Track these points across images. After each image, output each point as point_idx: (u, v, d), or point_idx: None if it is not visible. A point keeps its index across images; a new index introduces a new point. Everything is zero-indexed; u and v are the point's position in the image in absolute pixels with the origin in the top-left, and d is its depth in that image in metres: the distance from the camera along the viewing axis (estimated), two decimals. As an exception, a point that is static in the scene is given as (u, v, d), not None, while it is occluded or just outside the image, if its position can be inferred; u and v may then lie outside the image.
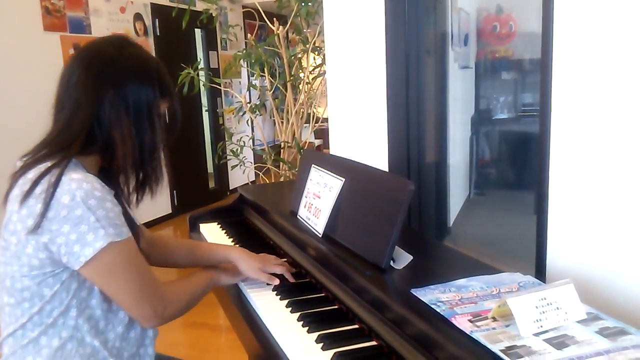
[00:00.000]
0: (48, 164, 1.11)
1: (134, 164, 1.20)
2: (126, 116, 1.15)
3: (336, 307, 1.30)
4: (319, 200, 1.53)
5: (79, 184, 1.07)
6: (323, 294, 1.37)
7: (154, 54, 5.76)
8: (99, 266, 1.10)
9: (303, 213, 1.61)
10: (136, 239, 1.24)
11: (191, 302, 1.29)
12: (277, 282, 1.43)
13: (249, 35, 4.71)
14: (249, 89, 5.94)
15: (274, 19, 3.69)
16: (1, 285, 1.16)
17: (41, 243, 1.08)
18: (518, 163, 3.26)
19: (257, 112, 4.16)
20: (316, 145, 7.34)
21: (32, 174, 1.10)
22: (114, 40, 1.22)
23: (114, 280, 1.13)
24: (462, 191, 3.18)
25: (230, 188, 7.12)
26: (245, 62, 3.98)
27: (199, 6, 3.98)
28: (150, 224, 5.59)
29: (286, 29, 3.71)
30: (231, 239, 1.88)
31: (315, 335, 1.16)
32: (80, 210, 1.06)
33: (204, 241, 1.90)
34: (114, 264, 1.11)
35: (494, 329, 0.93)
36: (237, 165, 4.04)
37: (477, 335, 0.91)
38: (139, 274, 1.16)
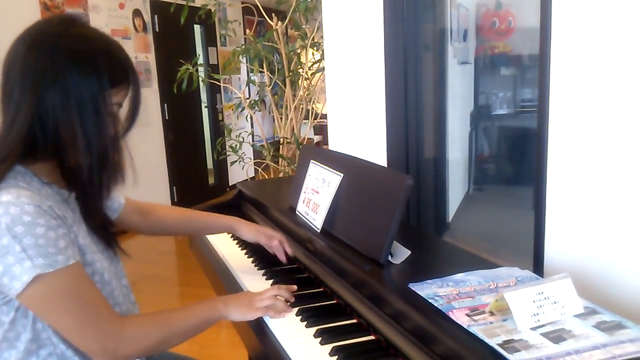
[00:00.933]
0: None
1: (87, 164, 1.06)
2: (71, 113, 1.01)
3: (334, 301, 1.30)
4: (317, 196, 1.53)
5: (5, 209, 0.95)
6: (321, 289, 1.37)
7: (153, 50, 5.80)
8: (31, 299, 0.99)
9: (302, 208, 1.61)
10: (114, 246, 1.22)
11: (171, 338, 1.13)
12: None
13: (247, 31, 4.71)
14: (248, 85, 5.94)
15: (273, 14, 3.69)
16: None
17: None
18: (517, 158, 3.25)
19: (256, 108, 4.16)
20: (315, 141, 7.34)
21: None
22: (57, 21, 1.06)
23: (49, 315, 1.02)
24: (461, 187, 3.18)
25: (230, 184, 7.12)
26: (244, 58, 3.98)
27: (198, 2, 3.98)
28: (149, 220, 5.59)
29: (285, 24, 3.71)
30: (230, 235, 1.88)
31: (314, 329, 1.16)
32: (6, 239, 0.95)
33: (206, 241, 1.90)
34: (45, 297, 0.99)
35: (491, 323, 0.94)
36: (236, 161, 4.04)
37: (475, 330, 0.91)
38: (80, 306, 1.02)
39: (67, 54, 1.02)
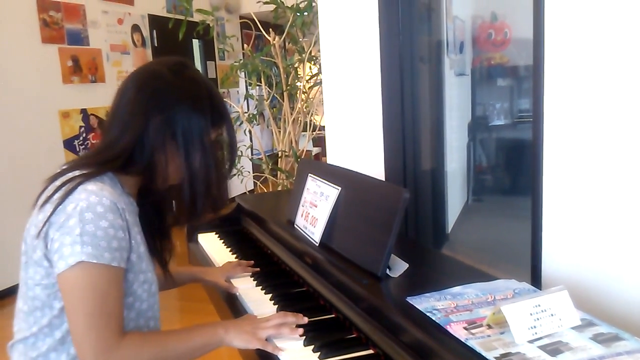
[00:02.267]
0: (77, 173, 1.11)
1: (187, 192, 1.19)
2: (170, 142, 1.15)
3: (333, 315, 1.30)
4: (315, 209, 1.53)
5: (87, 195, 1.05)
6: (320, 303, 1.37)
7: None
8: (66, 282, 1.04)
9: (300, 222, 1.61)
10: (163, 264, 1.32)
11: None
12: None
13: (245, 45, 4.74)
14: (246, 99, 5.96)
15: (270, 29, 3.71)
16: (20, 291, 1.15)
17: (43, 249, 1.07)
18: (516, 169, 3.26)
19: (255, 122, 4.17)
20: (314, 153, 7.34)
21: (59, 181, 1.10)
22: (172, 63, 1.20)
23: (71, 302, 1.05)
24: (460, 198, 3.18)
25: (229, 197, 7.11)
26: (243, 72, 4.00)
27: (196, 17, 4.00)
28: (149, 235, 5.59)
29: (282, 38, 3.73)
30: (229, 249, 1.89)
31: (313, 344, 1.16)
32: (74, 220, 1.03)
33: (204, 256, 1.91)
34: (77, 284, 1.04)
35: (488, 336, 0.94)
36: (235, 175, 4.05)
37: (472, 343, 0.91)
38: (98, 309, 1.04)
39: (178, 92, 1.16)
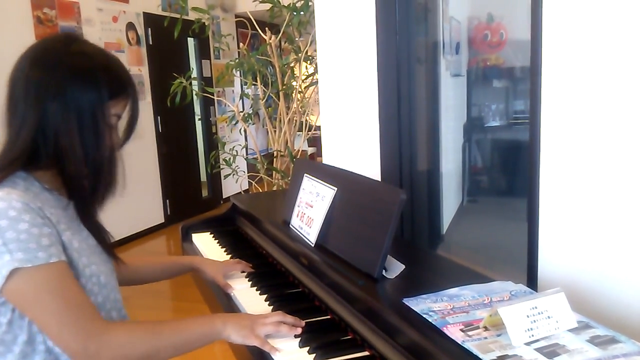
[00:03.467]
0: None
1: (85, 174, 1.12)
2: (70, 125, 1.07)
3: (328, 317, 1.29)
4: (311, 210, 1.53)
5: None
6: (315, 304, 1.36)
7: (146, 63, 5.80)
8: (12, 294, 1.00)
9: (295, 222, 1.61)
10: (109, 252, 1.24)
11: (161, 350, 1.09)
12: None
13: (241, 44, 4.72)
14: (241, 98, 5.95)
15: (266, 28, 3.70)
16: None
17: None
18: (511, 170, 3.26)
19: (250, 121, 4.16)
20: (309, 153, 7.34)
21: None
22: (58, 39, 1.14)
23: (31, 310, 1.02)
24: (455, 199, 3.18)
25: (224, 197, 7.10)
26: (238, 71, 3.98)
27: (192, 15, 3.99)
28: (142, 234, 5.57)
29: (278, 38, 3.72)
30: (224, 249, 1.88)
31: (308, 345, 1.15)
32: None
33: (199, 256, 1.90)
34: (25, 293, 1.00)
35: (485, 338, 0.93)
36: (230, 175, 4.04)
37: (469, 345, 0.91)
38: (61, 304, 1.01)
39: (68, 69, 1.08)
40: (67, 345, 1.02)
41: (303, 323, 1.22)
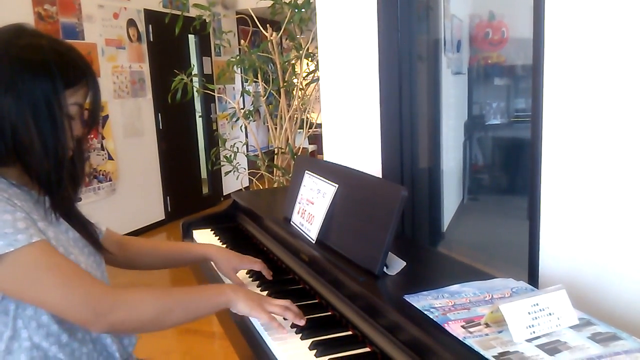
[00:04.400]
0: None
1: (48, 167, 1.08)
2: (26, 118, 1.04)
3: (330, 313, 1.29)
4: (312, 207, 1.53)
5: None
6: (316, 301, 1.36)
7: (147, 60, 5.80)
8: (3, 282, 1.00)
9: (296, 219, 1.61)
10: (94, 244, 1.21)
11: (171, 311, 1.10)
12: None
13: (242, 41, 4.72)
14: (242, 95, 5.95)
15: (268, 25, 3.70)
16: None
17: None
18: (511, 168, 3.26)
19: (251, 118, 4.16)
20: (310, 150, 7.34)
21: None
22: (5, 31, 1.10)
23: (28, 292, 1.01)
24: (456, 196, 3.18)
25: (224, 194, 7.11)
26: (239, 68, 3.98)
27: (193, 12, 3.99)
28: (143, 230, 5.58)
29: (279, 35, 3.72)
30: (225, 245, 1.88)
31: (309, 342, 1.15)
32: None
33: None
34: (16, 277, 0.99)
35: (486, 335, 0.94)
36: (230, 171, 4.04)
37: (470, 342, 0.91)
38: (59, 276, 1.01)
39: (17, 62, 1.04)
40: (77, 312, 1.02)
41: (305, 319, 1.22)
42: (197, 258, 1.52)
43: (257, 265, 1.51)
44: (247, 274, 1.59)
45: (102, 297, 1.02)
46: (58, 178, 1.10)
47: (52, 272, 1.01)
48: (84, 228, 1.23)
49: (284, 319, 1.21)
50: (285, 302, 1.22)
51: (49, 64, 1.06)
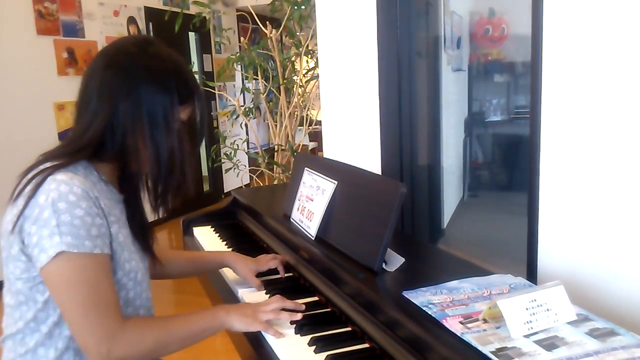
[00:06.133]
0: (48, 164, 1.09)
1: (151, 174, 1.17)
2: (140, 125, 1.11)
3: (329, 309, 1.30)
4: (311, 203, 1.53)
5: (57, 185, 1.03)
6: (316, 297, 1.37)
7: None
8: (51, 275, 1.04)
9: (296, 216, 1.61)
10: (149, 252, 1.27)
11: (168, 344, 1.13)
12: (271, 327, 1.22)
13: (242, 38, 4.72)
14: (242, 92, 5.94)
15: (267, 22, 3.70)
16: (4, 285, 1.14)
17: (19, 244, 1.06)
18: (512, 165, 3.27)
19: (251, 116, 4.16)
20: (310, 147, 7.34)
21: (31, 174, 1.08)
22: (135, 40, 1.19)
23: (60, 295, 1.05)
24: (456, 193, 3.18)
25: (225, 191, 7.11)
26: (239, 66, 3.98)
27: (193, 10, 3.99)
28: (144, 228, 5.58)
29: (279, 32, 3.72)
30: (225, 242, 1.88)
31: (308, 338, 1.16)
32: (48, 212, 1.01)
33: (200, 249, 1.90)
34: (62, 277, 1.03)
35: (484, 330, 0.94)
36: (231, 169, 4.04)
37: (468, 337, 0.92)
38: (89, 297, 1.04)
39: (142, 70, 1.12)
40: (83, 338, 1.05)
41: (303, 307, 1.26)
42: (216, 265, 1.57)
43: (273, 262, 1.54)
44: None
45: (111, 337, 1.05)
46: (166, 185, 1.18)
47: (88, 290, 1.04)
48: (146, 234, 1.28)
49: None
50: (277, 304, 1.24)
51: (170, 77, 1.14)
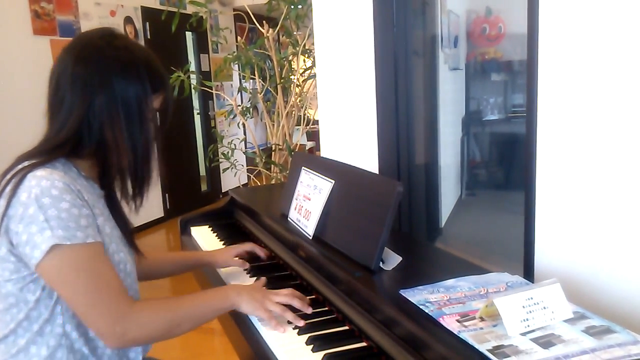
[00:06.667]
0: (26, 164, 1.09)
1: (128, 166, 1.18)
2: (117, 117, 1.12)
3: (326, 308, 1.30)
4: (309, 203, 1.53)
5: (38, 181, 1.03)
6: (313, 296, 1.37)
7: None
8: (48, 270, 1.04)
9: (293, 215, 1.61)
10: (132, 245, 1.28)
11: (180, 323, 1.15)
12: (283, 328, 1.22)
13: (239, 38, 4.71)
14: (240, 92, 5.95)
15: (264, 21, 3.70)
16: None
17: (7, 244, 1.05)
18: (509, 163, 3.27)
19: (248, 115, 4.16)
20: (308, 147, 7.34)
21: (9, 175, 1.08)
22: (101, 34, 1.17)
23: (63, 288, 1.06)
24: (454, 192, 3.19)
25: (223, 191, 7.11)
26: (236, 65, 3.98)
27: (189, 9, 3.98)
28: (142, 228, 5.58)
29: (276, 31, 3.72)
30: (222, 242, 1.88)
31: (306, 337, 1.16)
32: (33, 208, 1.02)
33: (198, 249, 1.91)
34: (60, 270, 1.04)
35: (481, 328, 0.94)
36: (228, 168, 4.04)
37: (465, 335, 0.92)
38: (93, 285, 1.05)
39: (113, 62, 1.12)
40: (96, 325, 1.07)
41: (310, 310, 1.26)
42: (198, 263, 1.61)
43: (247, 246, 1.61)
44: (244, 270, 1.59)
45: (124, 318, 1.07)
46: (144, 175, 1.20)
47: (90, 278, 1.05)
48: (128, 228, 1.30)
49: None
50: (287, 298, 1.25)
51: (140, 67, 1.15)
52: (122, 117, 1.12)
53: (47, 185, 1.03)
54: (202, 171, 6.94)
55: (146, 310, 1.11)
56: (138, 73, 1.14)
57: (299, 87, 3.89)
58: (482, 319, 0.97)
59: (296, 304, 1.24)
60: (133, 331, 1.07)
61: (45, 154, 1.11)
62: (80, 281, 1.05)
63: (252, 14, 3.86)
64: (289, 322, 1.22)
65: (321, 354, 1.09)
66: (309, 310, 1.24)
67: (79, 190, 1.08)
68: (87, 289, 1.05)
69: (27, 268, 1.07)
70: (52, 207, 1.02)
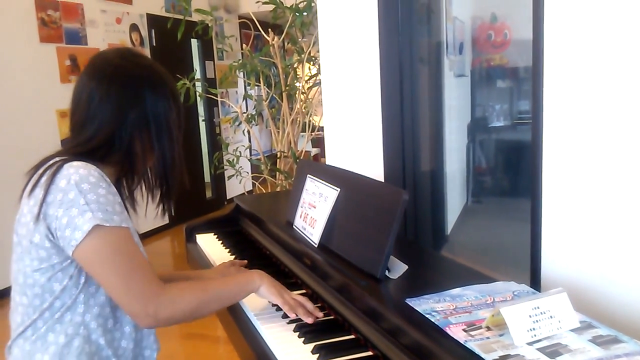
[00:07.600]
0: (57, 159, 1.14)
1: (157, 173, 1.27)
2: (147, 131, 1.21)
3: (332, 317, 1.30)
4: (314, 210, 1.53)
5: (76, 169, 1.10)
6: (319, 304, 1.37)
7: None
8: (87, 251, 1.09)
9: (299, 223, 1.61)
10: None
11: (208, 303, 1.21)
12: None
13: (244, 45, 4.73)
14: (245, 99, 5.95)
15: (270, 29, 3.71)
16: (15, 286, 1.18)
17: (44, 230, 1.10)
18: (515, 170, 3.26)
19: (254, 122, 4.17)
20: (313, 154, 7.34)
21: (42, 169, 1.14)
22: (122, 53, 1.25)
23: (101, 269, 1.11)
24: (460, 199, 3.18)
25: (227, 198, 7.11)
26: (241, 72, 3.99)
27: (195, 17, 4.00)
28: (147, 235, 5.59)
29: (281, 39, 3.73)
30: (227, 250, 1.88)
31: (312, 345, 1.16)
32: (73, 193, 1.07)
33: (203, 257, 1.90)
34: (100, 251, 1.09)
35: (488, 338, 0.94)
36: (233, 175, 4.04)
37: (471, 345, 0.91)
38: (128, 266, 1.11)
39: (143, 80, 1.22)
40: (131, 305, 1.12)
41: (321, 314, 1.29)
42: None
43: (232, 268, 1.60)
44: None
45: (156, 297, 1.12)
46: (171, 183, 1.29)
47: (124, 259, 1.11)
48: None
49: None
50: (302, 299, 1.31)
51: (165, 85, 1.25)
52: (153, 131, 1.21)
53: (84, 173, 1.10)
54: (207, 178, 6.95)
55: (176, 289, 1.16)
56: (164, 90, 1.23)
57: (304, 95, 3.89)
58: (488, 329, 0.96)
59: (300, 312, 1.28)
60: (165, 310, 1.12)
61: (75, 156, 1.16)
62: (117, 262, 1.10)
63: (258, 21, 3.87)
64: (295, 322, 1.25)
65: (327, 363, 1.09)
66: (310, 320, 1.26)
67: (109, 183, 1.15)
68: (123, 270, 1.10)
69: (59, 255, 1.12)
70: (91, 192, 1.08)
